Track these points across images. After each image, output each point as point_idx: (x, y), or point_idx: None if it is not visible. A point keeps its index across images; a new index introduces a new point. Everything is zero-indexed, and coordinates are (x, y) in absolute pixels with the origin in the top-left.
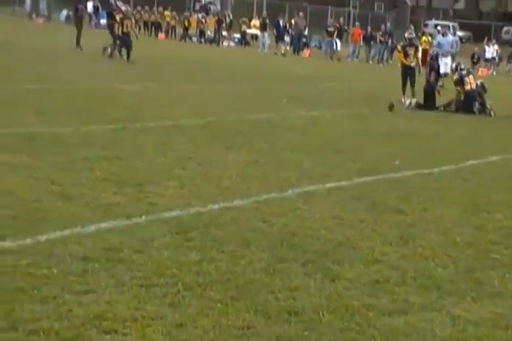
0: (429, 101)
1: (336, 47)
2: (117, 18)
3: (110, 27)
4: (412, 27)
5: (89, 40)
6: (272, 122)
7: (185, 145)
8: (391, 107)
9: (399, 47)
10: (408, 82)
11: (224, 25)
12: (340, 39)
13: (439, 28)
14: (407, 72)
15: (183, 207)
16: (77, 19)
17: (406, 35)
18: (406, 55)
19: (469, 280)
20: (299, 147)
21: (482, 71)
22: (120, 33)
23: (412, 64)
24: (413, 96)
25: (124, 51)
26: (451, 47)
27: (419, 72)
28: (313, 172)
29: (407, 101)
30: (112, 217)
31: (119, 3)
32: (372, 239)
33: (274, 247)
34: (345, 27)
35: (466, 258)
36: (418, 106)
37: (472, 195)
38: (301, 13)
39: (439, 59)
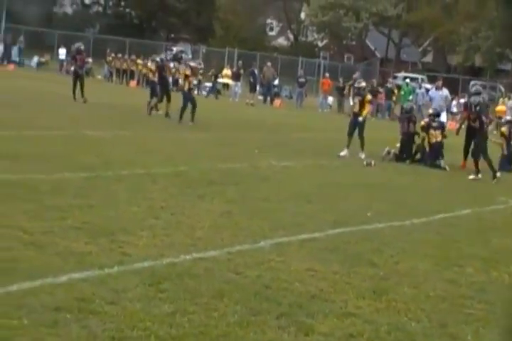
0: (406, 153)
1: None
2: (187, 72)
3: (162, 82)
4: (374, 80)
5: (62, 87)
6: (244, 172)
7: (158, 194)
8: (368, 165)
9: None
10: (356, 133)
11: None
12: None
13: (430, 82)
14: (353, 121)
15: (156, 258)
16: (76, 71)
17: (355, 84)
18: (354, 104)
19: (443, 334)
20: (271, 197)
21: (450, 124)
22: (187, 90)
23: (360, 112)
24: (361, 148)
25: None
26: (444, 102)
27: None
28: (286, 223)
29: (385, 150)
30: (84, 266)
31: (191, 61)
32: (346, 291)
33: (247, 299)
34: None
35: (439, 313)
36: (396, 157)
37: (444, 248)
38: (269, 63)
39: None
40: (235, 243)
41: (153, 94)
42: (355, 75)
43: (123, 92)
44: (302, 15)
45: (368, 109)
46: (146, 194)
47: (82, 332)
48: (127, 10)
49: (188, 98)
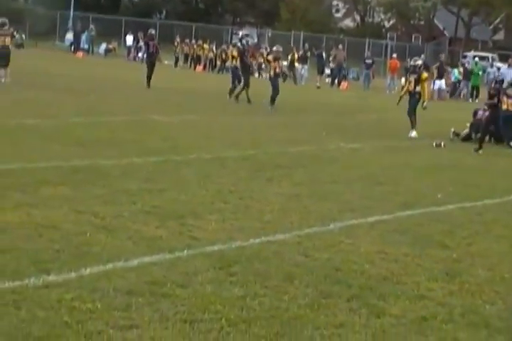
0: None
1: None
2: (269, 58)
3: (244, 66)
4: (442, 59)
5: (129, 73)
6: (312, 154)
7: (226, 177)
8: (438, 146)
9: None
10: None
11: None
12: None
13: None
14: (410, 100)
15: (225, 241)
16: (149, 57)
17: (411, 62)
18: (409, 82)
19: None
20: (340, 179)
21: None
22: (272, 76)
23: (416, 89)
24: (412, 127)
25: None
26: None
27: (423, 101)
28: (355, 205)
29: (451, 132)
30: (154, 250)
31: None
32: (417, 274)
33: (318, 282)
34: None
35: None
36: (466, 138)
37: None
38: (340, 46)
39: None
40: (304, 226)
41: (234, 80)
42: (421, 57)
43: (190, 77)
44: None
45: (426, 88)
46: (214, 178)
47: (155, 315)
48: None
49: (273, 84)
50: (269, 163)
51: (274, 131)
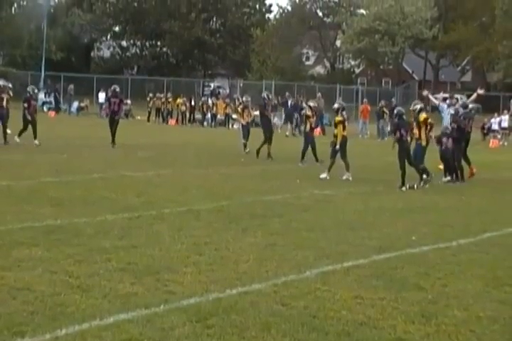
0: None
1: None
2: (308, 113)
3: (265, 120)
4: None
5: (100, 130)
6: (286, 203)
7: (201, 230)
8: (411, 188)
9: None
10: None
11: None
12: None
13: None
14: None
15: (202, 294)
16: (112, 114)
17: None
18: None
19: None
20: (314, 226)
21: (493, 142)
22: (308, 130)
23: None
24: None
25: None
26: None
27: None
28: (330, 252)
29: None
30: (130, 307)
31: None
32: (394, 317)
33: (295, 331)
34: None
35: (491, 334)
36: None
37: (493, 268)
38: (319, 94)
39: None
40: (280, 274)
41: (245, 135)
42: (393, 100)
43: (163, 131)
44: (338, 42)
45: (340, 133)
46: (189, 231)
47: None
48: (164, 49)
49: (309, 139)
50: (243, 213)
51: (249, 180)
